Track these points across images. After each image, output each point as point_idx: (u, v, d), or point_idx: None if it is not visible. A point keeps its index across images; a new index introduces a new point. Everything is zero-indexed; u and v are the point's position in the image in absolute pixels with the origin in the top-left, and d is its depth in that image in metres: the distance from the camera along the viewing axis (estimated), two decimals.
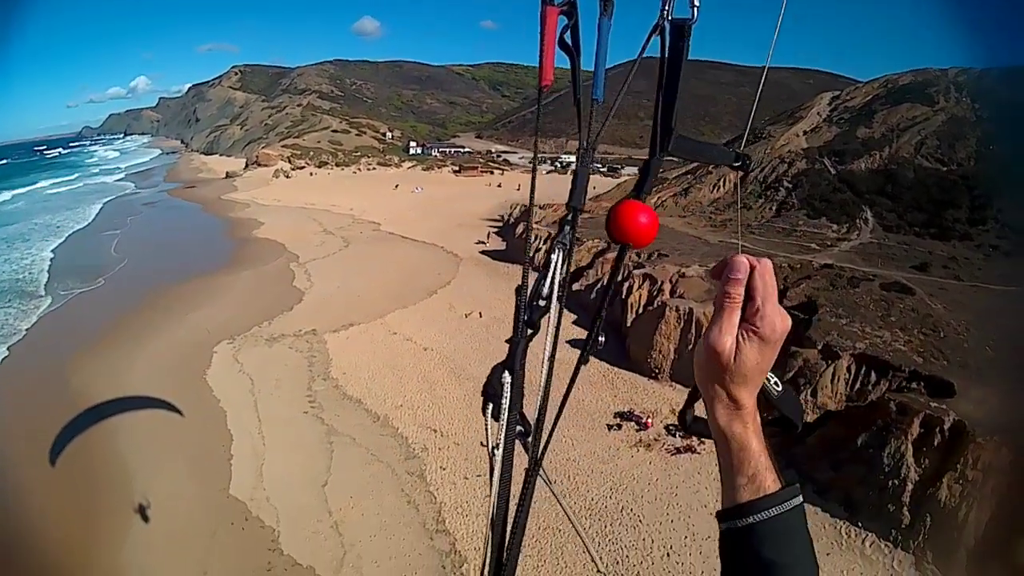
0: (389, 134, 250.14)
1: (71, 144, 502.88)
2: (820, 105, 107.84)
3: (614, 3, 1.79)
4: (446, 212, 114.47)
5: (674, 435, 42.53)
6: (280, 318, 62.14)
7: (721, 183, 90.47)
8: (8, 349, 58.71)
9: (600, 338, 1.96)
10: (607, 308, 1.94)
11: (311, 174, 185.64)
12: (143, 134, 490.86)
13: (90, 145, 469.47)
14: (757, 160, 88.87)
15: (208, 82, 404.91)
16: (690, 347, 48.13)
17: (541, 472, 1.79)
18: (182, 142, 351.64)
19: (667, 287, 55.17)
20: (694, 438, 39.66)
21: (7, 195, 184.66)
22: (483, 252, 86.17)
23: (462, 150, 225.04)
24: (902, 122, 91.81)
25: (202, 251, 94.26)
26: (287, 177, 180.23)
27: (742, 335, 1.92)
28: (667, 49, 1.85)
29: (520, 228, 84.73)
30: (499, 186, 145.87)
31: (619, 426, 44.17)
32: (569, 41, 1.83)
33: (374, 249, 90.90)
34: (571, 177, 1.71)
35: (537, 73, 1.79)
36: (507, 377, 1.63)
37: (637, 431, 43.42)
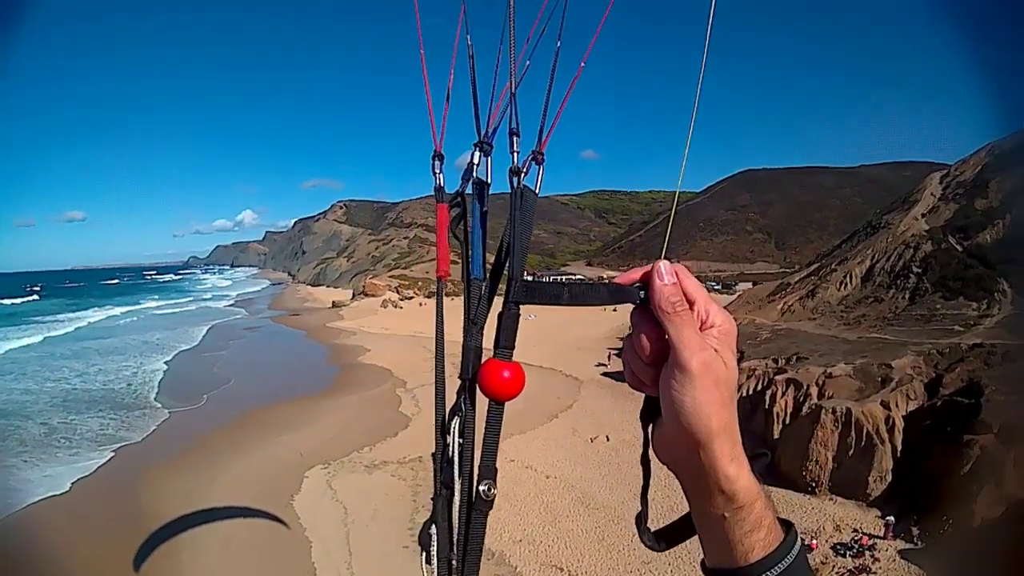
0: None
1: (179, 272, 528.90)
2: (932, 186, 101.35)
3: (489, 185, 1.75)
4: (562, 337, 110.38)
5: (844, 555, 37.38)
6: (383, 444, 56.69)
7: (848, 279, 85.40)
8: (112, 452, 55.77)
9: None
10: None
11: (420, 304, 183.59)
12: (250, 266, 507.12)
13: (201, 274, 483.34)
14: (880, 251, 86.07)
15: (314, 216, 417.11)
16: (850, 453, 44.14)
17: None
18: (289, 274, 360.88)
19: (814, 390, 49.69)
20: (867, 557, 36.75)
21: (119, 311, 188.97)
22: (605, 374, 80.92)
23: (573, 277, 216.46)
24: (1017, 186, 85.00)
25: (304, 375, 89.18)
26: (395, 307, 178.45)
27: (710, 340, 1.60)
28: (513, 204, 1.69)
29: None
30: (614, 310, 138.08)
31: None
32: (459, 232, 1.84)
33: None
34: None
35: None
36: (433, 529, 1.71)
37: None
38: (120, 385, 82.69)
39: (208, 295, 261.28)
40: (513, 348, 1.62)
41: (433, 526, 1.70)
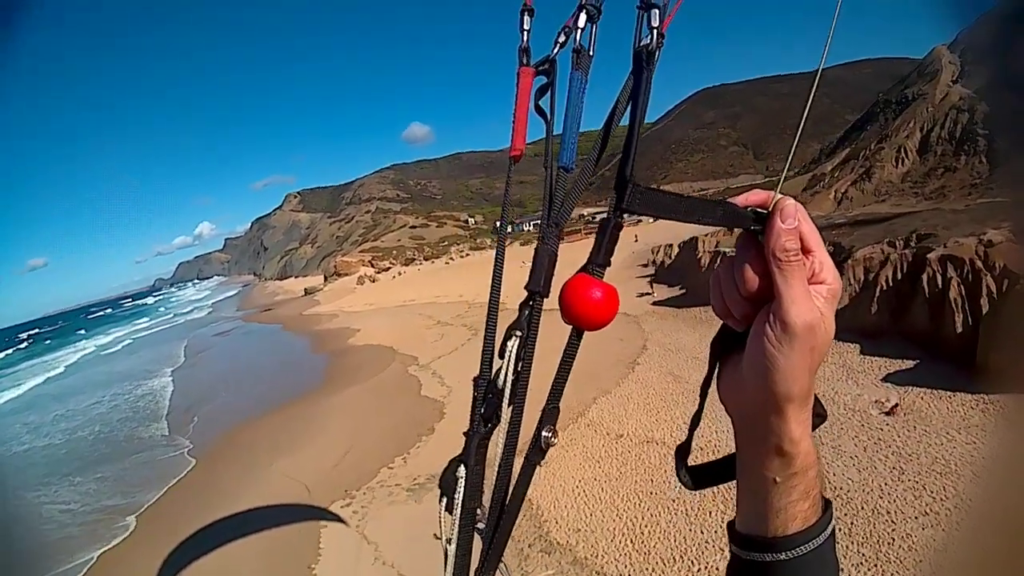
0: (471, 219, 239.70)
1: (151, 295, 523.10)
2: (946, 56, 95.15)
3: (591, 57, 1.50)
4: (564, 278, 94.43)
5: None
6: (419, 448, 40.30)
7: (903, 153, 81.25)
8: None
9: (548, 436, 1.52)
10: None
11: (399, 273, 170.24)
12: (216, 276, 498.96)
13: (178, 291, 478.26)
14: (927, 120, 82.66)
15: (269, 213, 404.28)
16: None
17: (502, 567, 1.57)
18: (254, 274, 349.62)
19: (979, 264, 36.64)
20: None
21: (109, 338, 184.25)
22: (656, 303, 66.07)
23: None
24: None
25: (288, 373, 72.24)
26: (373, 281, 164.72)
27: (818, 299, 1.44)
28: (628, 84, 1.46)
29: (703, 257, 65.71)
30: (635, 240, 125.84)
31: None
32: (547, 105, 1.59)
33: None
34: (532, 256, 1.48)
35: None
36: (462, 471, 1.52)
37: None
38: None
39: (188, 308, 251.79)
40: (608, 266, 1.37)
41: (461, 466, 1.50)
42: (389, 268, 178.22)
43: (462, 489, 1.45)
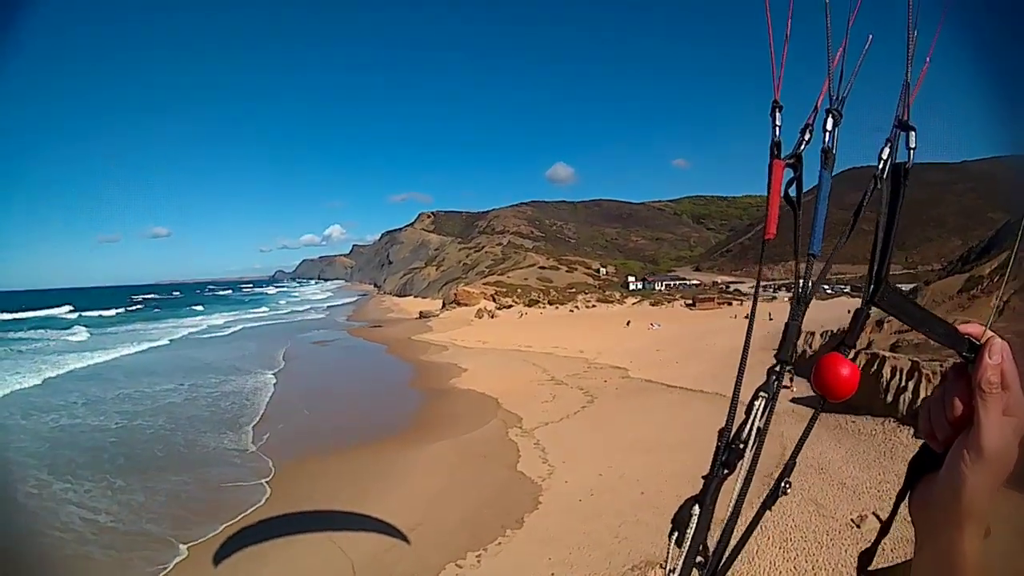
0: (603, 269, 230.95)
1: (272, 285, 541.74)
2: None
3: (835, 156, 1.72)
4: (702, 350, 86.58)
5: None
6: (502, 545, 31.98)
7: None
8: None
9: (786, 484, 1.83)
10: None
11: (521, 314, 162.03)
12: (336, 279, 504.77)
13: (300, 287, 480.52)
14: None
15: (401, 228, 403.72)
16: None
17: None
18: (375, 285, 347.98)
19: None
20: None
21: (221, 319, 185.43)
22: (795, 400, 54.04)
23: (687, 282, 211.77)
24: None
25: (377, 406, 64.28)
26: (492, 317, 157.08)
27: (1008, 430, 1.62)
28: (887, 193, 1.73)
29: (858, 360, 53.50)
30: (746, 317, 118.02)
31: None
32: (793, 194, 1.80)
33: (635, 404, 59.76)
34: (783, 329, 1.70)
35: (764, 220, 1.78)
36: (696, 509, 1.66)
37: None
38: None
39: (305, 307, 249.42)
40: (855, 347, 1.62)
41: (696, 506, 1.64)
42: (512, 306, 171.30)
43: (694, 526, 1.58)
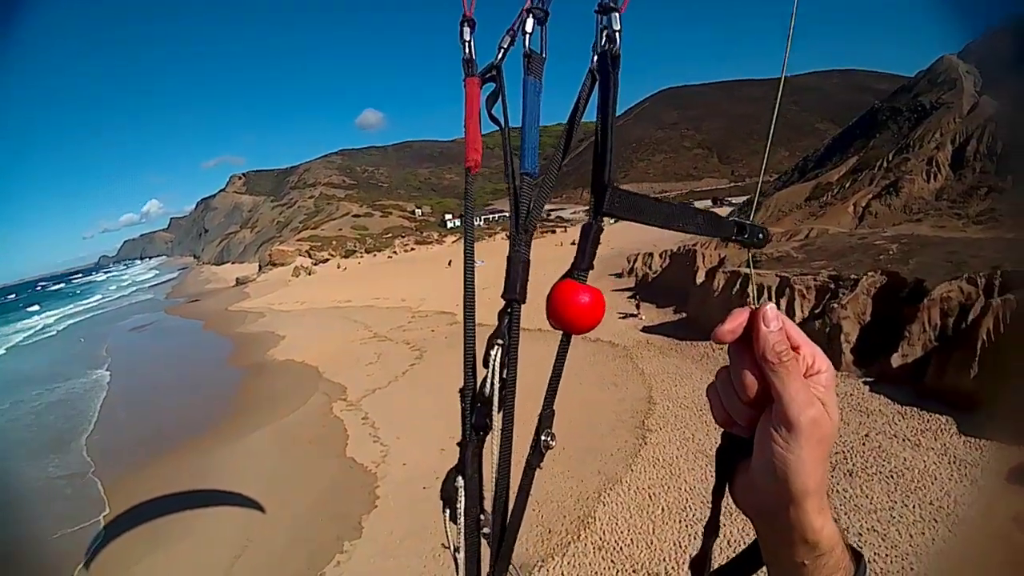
0: (418, 210, 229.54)
1: (100, 272, 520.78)
2: (961, 66, 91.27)
3: (543, 60, 1.53)
4: (531, 283, 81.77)
5: None
6: (341, 566, 26.51)
7: (935, 167, 71.77)
8: None
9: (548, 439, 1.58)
10: None
11: (339, 266, 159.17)
12: (158, 256, 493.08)
13: (125, 269, 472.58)
14: (958, 133, 74.41)
15: (214, 194, 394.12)
16: None
17: (512, 569, 1.65)
18: (194, 256, 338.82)
19: None
20: None
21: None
22: (647, 330, 52.08)
23: (507, 214, 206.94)
24: None
25: (194, 394, 57.34)
26: (309, 274, 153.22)
27: (817, 390, 1.49)
28: (594, 87, 1.51)
29: (704, 274, 54.35)
30: (573, 243, 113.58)
31: None
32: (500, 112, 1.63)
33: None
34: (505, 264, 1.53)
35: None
36: (460, 481, 1.57)
37: None
38: None
39: (132, 289, 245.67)
40: (592, 269, 1.43)
41: (460, 477, 1.55)
42: (328, 260, 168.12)
43: (463, 498, 1.50)
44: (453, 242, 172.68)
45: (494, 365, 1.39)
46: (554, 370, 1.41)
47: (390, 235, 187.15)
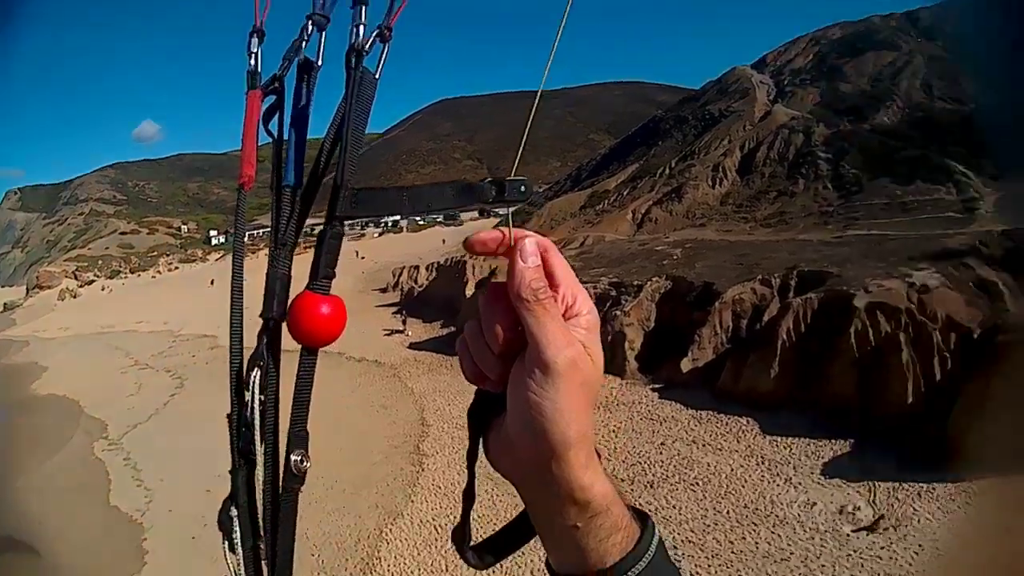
0: (184, 227, 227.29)
1: None
2: (755, 76, 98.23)
3: (316, 74, 1.44)
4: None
5: None
6: None
7: (721, 172, 72.85)
8: None
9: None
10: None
11: (103, 288, 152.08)
12: None
13: None
14: (748, 139, 76.41)
15: None
16: None
17: None
18: None
19: (915, 313, 30.14)
20: None
21: None
22: (415, 347, 52.29)
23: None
24: (882, 70, 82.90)
25: None
26: (75, 297, 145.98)
27: (577, 332, 1.38)
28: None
29: (469, 287, 55.65)
30: (362, 258, 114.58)
31: None
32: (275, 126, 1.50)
33: (227, 383, 49.70)
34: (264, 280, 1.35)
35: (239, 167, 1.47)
36: (234, 510, 1.41)
37: None
38: None
39: None
40: (333, 278, 1.31)
41: (233, 507, 1.39)
42: (94, 281, 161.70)
43: (238, 529, 1.36)
44: (217, 259, 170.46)
45: (254, 388, 1.26)
46: (298, 387, 1.26)
47: (155, 253, 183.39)
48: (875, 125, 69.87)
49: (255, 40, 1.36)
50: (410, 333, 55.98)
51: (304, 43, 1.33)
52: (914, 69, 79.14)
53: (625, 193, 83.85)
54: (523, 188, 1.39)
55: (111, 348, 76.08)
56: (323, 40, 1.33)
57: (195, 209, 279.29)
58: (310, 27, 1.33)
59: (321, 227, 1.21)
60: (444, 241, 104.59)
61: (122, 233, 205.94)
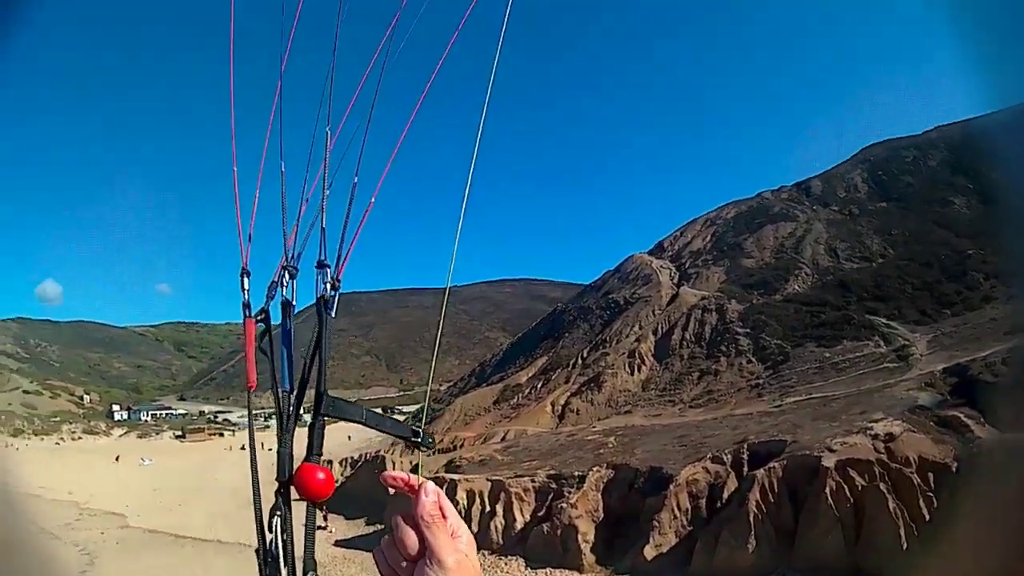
0: (86, 397, 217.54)
1: None
2: (653, 262, 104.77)
3: (293, 307, 2.02)
4: (204, 488, 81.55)
5: None
6: None
7: (636, 357, 76.89)
8: None
9: None
10: None
11: (5, 445, 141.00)
12: None
13: None
14: (660, 324, 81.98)
15: None
16: None
17: None
18: None
19: (889, 465, 31.67)
20: None
21: None
22: (340, 544, 50.88)
23: (174, 412, 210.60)
24: (783, 241, 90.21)
25: None
26: None
27: (460, 545, 1.91)
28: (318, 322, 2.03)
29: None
30: (242, 448, 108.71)
31: None
32: (267, 346, 2.06)
33: (143, 566, 49.92)
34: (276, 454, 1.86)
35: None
36: None
37: None
38: None
39: None
40: (322, 454, 1.83)
41: None
42: None
43: None
44: (120, 435, 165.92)
45: (276, 531, 1.75)
46: (308, 529, 1.81)
47: (59, 419, 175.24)
48: (788, 295, 74.28)
49: (245, 279, 1.94)
50: (333, 530, 54.94)
51: (282, 287, 1.93)
52: (816, 235, 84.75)
53: (539, 386, 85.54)
54: (431, 441, 2.18)
55: (11, 509, 70.85)
56: (294, 286, 1.95)
57: (96, 380, 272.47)
58: (287, 277, 1.93)
59: (310, 420, 1.82)
60: (350, 438, 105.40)
61: (25, 392, 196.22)
